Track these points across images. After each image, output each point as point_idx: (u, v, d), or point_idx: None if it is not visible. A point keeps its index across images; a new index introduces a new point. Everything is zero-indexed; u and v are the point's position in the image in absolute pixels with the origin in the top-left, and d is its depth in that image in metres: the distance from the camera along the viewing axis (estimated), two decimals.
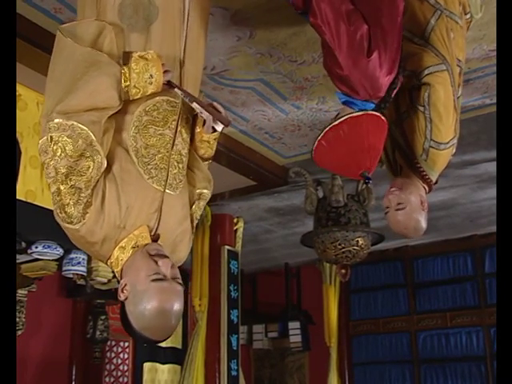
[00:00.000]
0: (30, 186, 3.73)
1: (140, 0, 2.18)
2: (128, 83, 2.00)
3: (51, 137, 1.89)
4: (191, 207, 2.26)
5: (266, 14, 3.32)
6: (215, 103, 2.19)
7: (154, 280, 1.89)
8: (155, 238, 2.06)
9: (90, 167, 1.92)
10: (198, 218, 2.33)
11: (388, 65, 2.43)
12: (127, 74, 2.00)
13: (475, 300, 7.71)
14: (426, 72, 2.68)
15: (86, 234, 1.98)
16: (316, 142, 2.54)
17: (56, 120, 1.89)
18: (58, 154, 1.89)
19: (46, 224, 3.93)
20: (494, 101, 4.37)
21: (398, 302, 8.20)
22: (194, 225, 2.29)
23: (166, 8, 2.20)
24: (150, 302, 1.88)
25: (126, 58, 2.04)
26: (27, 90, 3.75)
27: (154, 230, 2.06)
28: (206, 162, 2.33)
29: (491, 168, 5.46)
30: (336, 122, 2.47)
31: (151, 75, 2.02)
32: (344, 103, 2.55)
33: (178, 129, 2.15)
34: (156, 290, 1.89)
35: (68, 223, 1.95)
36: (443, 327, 7.83)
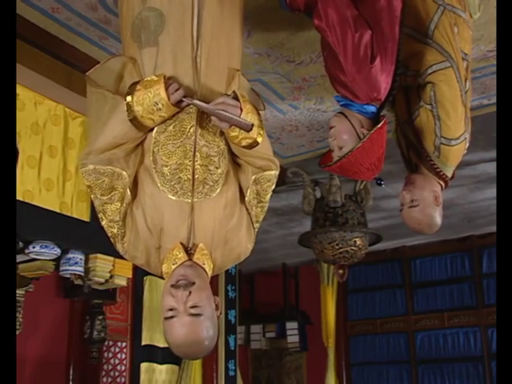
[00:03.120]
0: (27, 186, 3.71)
1: (146, 14, 2.19)
2: (133, 116, 2.03)
3: (86, 183, 2.08)
4: (246, 197, 2.22)
5: (263, 13, 3.32)
6: (223, 102, 2.05)
7: (165, 318, 1.97)
8: (193, 250, 2.09)
9: (119, 199, 2.07)
10: (266, 200, 2.28)
11: (388, 69, 2.45)
12: (129, 109, 2.03)
13: (473, 300, 7.72)
14: (430, 71, 2.68)
15: (131, 259, 2.16)
16: (358, 147, 2.45)
17: (83, 168, 2.06)
18: (93, 196, 2.09)
19: (43, 224, 3.93)
20: (492, 101, 4.37)
21: (396, 303, 8.20)
22: (257, 212, 2.26)
23: (173, 14, 2.18)
24: (167, 337, 1.99)
25: (131, 91, 2.05)
26: (25, 89, 3.73)
27: (191, 242, 2.10)
28: (255, 148, 2.16)
29: (489, 168, 5.46)
30: (379, 126, 2.46)
31: (156, 102, 2.02)
32: (343, 106, 2.56)
33: (199, 132, 2.12)
34: (168, 328, 1.98)
35: (120, 253, 2.14)
36: (441, 327, 7.83)
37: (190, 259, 2.07)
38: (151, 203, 2.08)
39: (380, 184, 2.62)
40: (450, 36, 2.72)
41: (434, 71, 2.68)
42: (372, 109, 2.52)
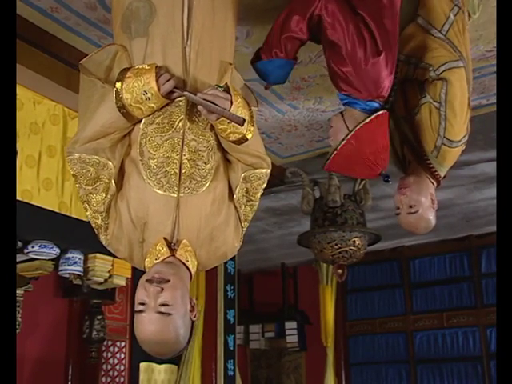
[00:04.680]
0: (26, 186, 3.70)
1: (137, 5, 2.18)
2: (121, 104, 2.00)
3: (71, 172, 2.06)
4: (234, 194, 2.18)
5: (262, 13, 3.31)
6: (213, 94, 2.02)
7: (136, 312, 1.95)
8: (176, 246, 2.07)
9: (104, 189, 2.05)
10: (256, 199, 2.26)
11: (391, 65, 2.45)
12: (118, 96, 2.00)
13: (471, 300, 7.72)
14: (446, 67, 2.65)
15: (115, 252, 2.14)
16: (344, 142, 2.46)
17: (69, 157, 2.03)
18: (78, 186, 2.07)
19: (42, 224, 3.93)
20: (491, 101, 4.38)
21: (395, 302, 8.20)
22: (246, 211, 2.24)
23: (163, 4, 2.17)
24: (136, 331, 1.98)
25: (121, 77, 2.03)
26: (23, 89, 3.73)
27: (175, 238, 2.07)
28: (245, 143, 2.12)
29: (488, 168, 5.46)
30: (367, 120, 2.45)
31: (145, 91, 1.99)
32: (346, 104, 2.54)
33: (187, 126, 2.08)
34: (137, 322, 1.95)
35: (104, 244, 2.13)
36: (440, 327, 7.83)
37: (173, 255, 2.05)
38: (136, 196, 2.05)
39: (387, 181, 2.61)
40: (461, 36, 2.72)
41: (450, 68, 2.65)
42: (375, 105, 2.50)
